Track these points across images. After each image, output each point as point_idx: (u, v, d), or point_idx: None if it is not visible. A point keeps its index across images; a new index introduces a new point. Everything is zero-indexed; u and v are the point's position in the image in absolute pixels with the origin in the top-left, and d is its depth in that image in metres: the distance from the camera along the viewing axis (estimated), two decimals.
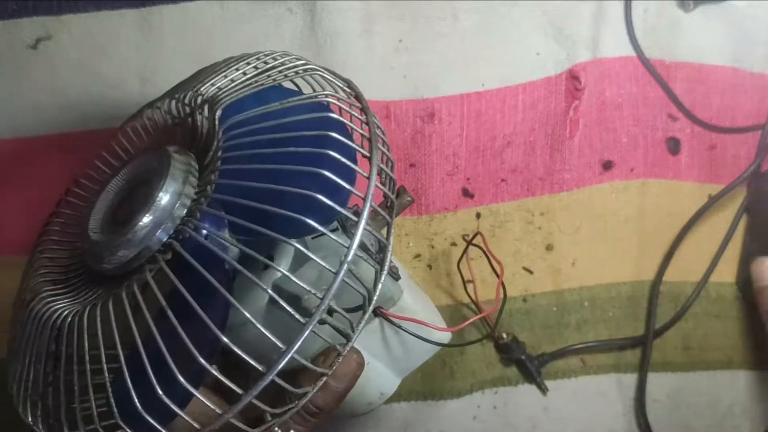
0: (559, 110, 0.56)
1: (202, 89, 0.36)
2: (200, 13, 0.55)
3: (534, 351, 0.54)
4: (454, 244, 0.55)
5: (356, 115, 0.34)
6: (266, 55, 0.38)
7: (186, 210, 0.32)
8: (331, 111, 0.34)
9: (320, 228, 0.29)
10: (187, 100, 0.36)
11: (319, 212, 0.29)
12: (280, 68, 0.36)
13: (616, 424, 0.55)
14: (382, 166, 0.33)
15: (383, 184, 0.34)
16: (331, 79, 0.37)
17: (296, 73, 0.36)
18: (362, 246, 0.35)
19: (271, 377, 0.28)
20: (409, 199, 0.42)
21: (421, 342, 0.41)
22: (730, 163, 0.58)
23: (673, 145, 0.58)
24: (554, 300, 0.55)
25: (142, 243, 0.31)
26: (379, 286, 0.32)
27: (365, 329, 0.38)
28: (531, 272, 0.55)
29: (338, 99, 0.35)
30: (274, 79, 0.36)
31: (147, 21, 0.54)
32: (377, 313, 0.39)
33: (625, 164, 0.57)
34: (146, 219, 0.31)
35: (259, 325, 0.28)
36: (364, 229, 0.30)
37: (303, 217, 0.29)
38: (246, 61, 0.37)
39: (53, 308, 0.34)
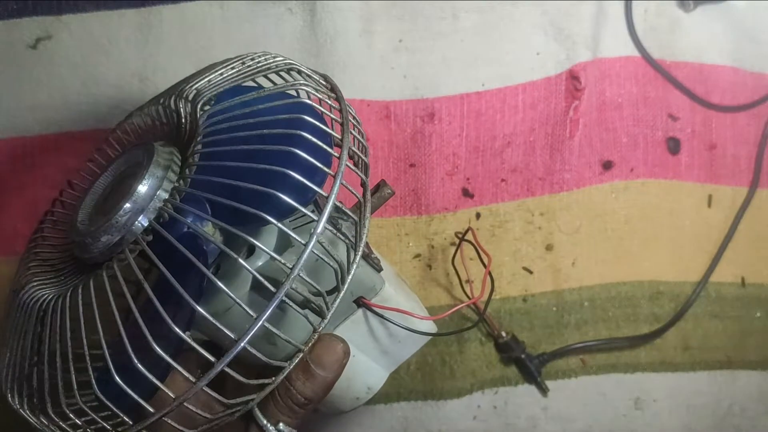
0: (559, 110, 0.56)
1: (185, 91, 0.37)
2: (200, 13, 0.55)
3: (534, 351, 0.54)
4: (453, 243, 0.55)
5: (332, 104, 0.35)
6: (245, 56, 0.39)
7: (167, 195, 0.33)
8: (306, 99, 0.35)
9: (293, 203, 0.30)
10: (171, 102, 0.38)
11: (294, 192, 0.30)
12: (259, 66, 0.38)
13: (616, 424, 0.55)
14: (353, 149, 0.33)
15: (356, 166, 0.35)
16: (309, 73, 0.38)
17: (275, 68, 0.38)
18: (341, 232, 0.36)
19: (242, 344, 0.28)
20: (389, 191, 0.42)
21: (407, 334, 0.41)
22: (730, 163, 0.58)
23: (673, 145, 0.58)
24: (554, 300, 0.55)
25: (125, 228, 0.32)
26: (354, 266, 0.33)
27: (349, 321, 0.39)
28: (531, 272, 0.55)
29: (313, 89, 0.36)
30: (253, 75, 0.37)
31: (147, 21, 0.54)
32: (359, 303, 0.39)
33: (625, 164, 0.57)
34: (128, 205, 0.32)
35: (229, 292, 0.29)
36: (341, 211, 0.31)
37: (277, 192, 0.29)
38: (224, 65, 0.38)
39: (40, 294, 0.35)
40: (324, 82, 0.38)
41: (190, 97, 0.36)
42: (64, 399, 0.31)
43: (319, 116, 0.34)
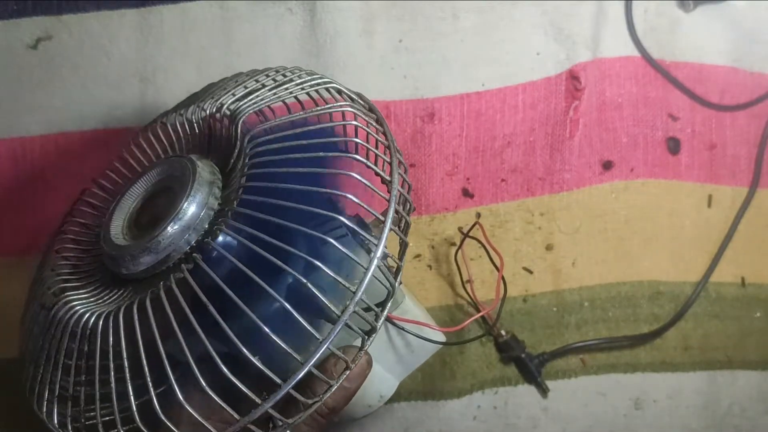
0: (559, 110, 0.56)
1: (222, 99, 0.37)
2: (200, 13, 0.55)
3: (534, 351, 0.54)
4: (454, 244, 0.55)
5: (379, 138, 0.36)
6: (273, 70, 0.39)
7: (210, 220, 0.32)
8: (350, 136, 0.36)
9: (351, 224, 0.31)
10: (198, 115, 0.37)
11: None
12: (297, 81, 0.38)
13: (616, 424, 0.55)
14: (399, 188, 0.34)
15: (399, 195, 0.36)
16: (344, 90, 0.38)
17: (311, 86, 0.38)
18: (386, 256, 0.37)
19: (307, 368, 0.29)
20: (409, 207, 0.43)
21: (420, 343, 0.42)
22: (730, 163, 0.58)
23: (673, 145, 0.58)
24: (554, 300, 0.55)
25: (166, 250, 0.32)
26: (398, 283, 0.34)
27: None
28: (531, 272, 0.55)
29: (356, 110, 0.36)
30: (291, 92, 0.37)
31: (147, 21, 0.54)
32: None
33: (625, 164, 0.57)
34: (172, 228, 0.32)
35: (275, 336, 0.29)
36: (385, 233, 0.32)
37: (333, 214, 0.31)
38: (250, 77, 0.38)
39: (79, 311, 0.34)
40: (361, 101, 0.38)
41: (230, 107, 0.36)
42: (118, 417, 0.31)
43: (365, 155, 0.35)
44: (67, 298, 0.35)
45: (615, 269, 0.56)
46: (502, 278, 0.49)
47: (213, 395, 0.29)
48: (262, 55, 0.55)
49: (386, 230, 0.31)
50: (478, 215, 0.55)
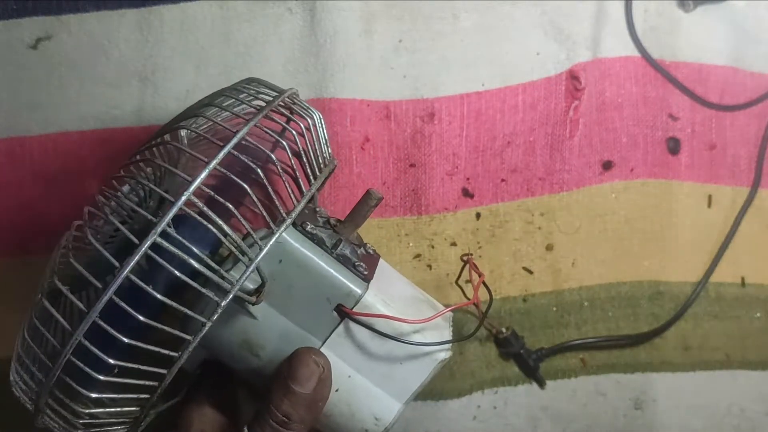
0: (559, 110, 0.56)
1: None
2: (200, 13, 0.55)
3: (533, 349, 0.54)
4: (453, 244, 0.55)
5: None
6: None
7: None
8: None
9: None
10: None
11: None
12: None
13: (616, 424, 0.55)
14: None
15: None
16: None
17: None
18: (353, 252, 0.37)
19: (125, 272, 0.30)
20: (374, 201, 0.41)
21: (407, 354, 0.38)
22: (729, 163, 0.58)
23: (673, 145, 0.58)
24: (554, 300, 0.55)
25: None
26: (259, 255, 0.33)
27: (335, 335, 0.37)
28: (531, 272, 0.55)
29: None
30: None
31: (147, 21, 0.54)
32: (340, 311, 0.37)
33: (625, 164, 0.57)
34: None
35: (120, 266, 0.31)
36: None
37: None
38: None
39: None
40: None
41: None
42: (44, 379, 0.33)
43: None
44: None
45: (615, 269, 0.56)
46: (484, 283, 0.44)
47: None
48: (261, 55, 0.55)
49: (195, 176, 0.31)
50: (478, 215, 0.55)
